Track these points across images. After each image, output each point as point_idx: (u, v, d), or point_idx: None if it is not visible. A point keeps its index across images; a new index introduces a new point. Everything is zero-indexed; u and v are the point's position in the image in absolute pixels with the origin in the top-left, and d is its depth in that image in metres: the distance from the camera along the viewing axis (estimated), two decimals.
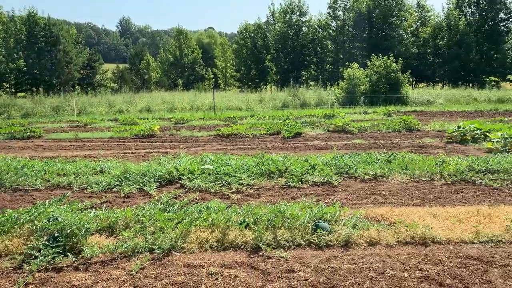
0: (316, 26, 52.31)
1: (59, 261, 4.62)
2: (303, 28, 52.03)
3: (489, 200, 6.87)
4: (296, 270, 4.33)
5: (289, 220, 5.40)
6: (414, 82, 49.83)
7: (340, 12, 51.09)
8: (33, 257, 4.63)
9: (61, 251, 4.77)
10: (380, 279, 4.08)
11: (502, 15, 45.82)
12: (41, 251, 4.68)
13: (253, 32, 53.28)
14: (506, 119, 18.39)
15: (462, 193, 7.31)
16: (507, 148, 11.03)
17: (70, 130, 18.00)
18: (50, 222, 5.10)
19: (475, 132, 12.93)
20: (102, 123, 21.26)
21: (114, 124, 20.62)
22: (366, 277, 4.13)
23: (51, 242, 4.82)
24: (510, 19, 45.95)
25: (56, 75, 45.25)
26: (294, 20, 51.27)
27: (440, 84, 48.87)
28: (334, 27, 51.65)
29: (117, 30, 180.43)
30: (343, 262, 4.49)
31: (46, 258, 4.57)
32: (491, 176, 8.23)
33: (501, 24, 46.18)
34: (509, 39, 46.90)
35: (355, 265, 4.40)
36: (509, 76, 47.16)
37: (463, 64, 45.16)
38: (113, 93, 40.07)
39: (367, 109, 24.97)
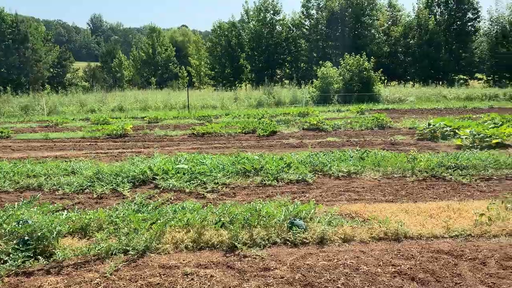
0: (289, 25, 52.60)
1: (30, 265, 4.50)
2: (277, 27, 52.23)
3: (459, 196, 7.05)
4: (272, 268, 4.34)
5: (265, 219, 5.41)
6: (385, 81, 50.71)
7: (314, 11, 51.54)
8: (2, 261, 4.49)
9: (32, 255, 4.64)
10: (354, 275, 4.13)
11: (469, 15, 47.16)
12: (11, 255, 4.54)
13: (227, 30, 53.12)
14: (474, 116, 18.93)
15: (433, 189, 7.49)
16: (475, 144, 11.36)
17: (40, 130, 17.55)
18: (20, 225, 4.96)
19: (445, 129, 13.26)
20: (73, 122, 20.82)
21: (86, 123, 20.23)
22: (341, 273, 4.18)
23: (21, 245, 4.69)
24: (477, 19, 47.32)
25: (25, 74, 44.07)
26: (268, 19, 51.38)
27: (411, 82, 49.89)
28: (308, 26, 52.03)
29: (88, 27, 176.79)
30: (318, 259, 4.53)
31: (16, 262, 4.44)
32: (460, 172, 8.45)
33: (469, 24, 47.51)
34: (476, 38, 48.29)
35: (330, 262, 4.45)
36: (477, 74, 48.64)
37: (432, 62, 46.27)
38: (85, 92, 39.31)
39: (341, 107, 25.30)
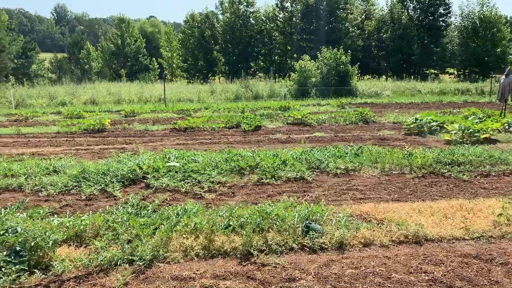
0: (263, 18, 52.08)
1: (25, 280, 4.03)
2: (251, 19, 51.62)
3: (463, 193, 6.91)
4: (297, 278, 4.02)
5: (277, 222, 5.08)
6: (359, 75, 51.05)
7: (288, 4, 51.14)
8: None
9: (26, 268, 4.16)
10: (388, 285, 3.85)
11: (441, 10, 47.87)
12: (3, 268, 4.05)
13: (200, 22, 52.11)
14: (454, 110, 19.12)
15: (436, 187, 7.33)
16: (464, 139, 11.35)
17: (10, 125, 16.53)
18: (10, 234, 4.46)
19: (432, 124, 13.24)
20: (44, 116, 19.81)
21: (59, 117, 19.28)
22: (372, 283, 3.90)
23: (12, 257, 4.20)
24: (449, 14, 48.15)
25: None
26: (241, 11, 50.72)
27: (384, 76, 50.37)
28: (282, 19, 51.66)
29: (52, 17, 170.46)
30: (343, 267, 4.24)
31: (10, 277, 3.96)
32: (458, 168, 8.35)
33: (440, 19, 48.25)
34: (447, 33, 49.18)
35: (357, 270, 4.16)
36: (448, 69, 49.62)
37: (405, 57, 46.77)
38: (52, 84, 37.75)
39: (320, 101, 25.12)
